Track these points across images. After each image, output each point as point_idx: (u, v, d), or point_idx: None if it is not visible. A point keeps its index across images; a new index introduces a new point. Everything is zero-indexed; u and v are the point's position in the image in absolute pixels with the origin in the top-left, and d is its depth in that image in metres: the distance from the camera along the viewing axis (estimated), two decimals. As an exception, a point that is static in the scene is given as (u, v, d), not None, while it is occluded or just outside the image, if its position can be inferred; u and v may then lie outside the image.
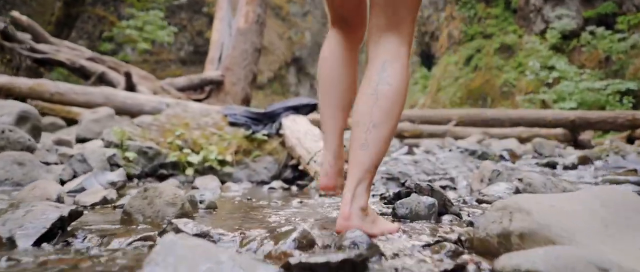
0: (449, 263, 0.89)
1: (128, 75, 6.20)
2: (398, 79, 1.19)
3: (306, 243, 0.98)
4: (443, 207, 1.45)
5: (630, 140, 7.04)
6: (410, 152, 4.13)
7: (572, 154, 4.67)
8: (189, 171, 3.21)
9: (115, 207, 1.58)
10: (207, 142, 3.40)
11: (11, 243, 0.98)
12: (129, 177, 3.07)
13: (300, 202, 1.91)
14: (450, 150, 4.50)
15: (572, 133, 7.23)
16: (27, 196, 1.39)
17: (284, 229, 1.07)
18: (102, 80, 6.78)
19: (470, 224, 1.12)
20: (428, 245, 1.02)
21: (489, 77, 12.97)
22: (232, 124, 3.62)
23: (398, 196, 1.57)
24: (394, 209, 1.41)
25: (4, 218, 1.03)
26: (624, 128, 7.37)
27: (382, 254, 0.91)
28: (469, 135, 7.02)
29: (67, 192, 2.12)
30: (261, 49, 9.74)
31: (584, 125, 7.30)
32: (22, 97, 4.89)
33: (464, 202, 1.87)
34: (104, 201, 1.63)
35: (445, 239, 1.05)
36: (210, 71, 9.12)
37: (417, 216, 1.37)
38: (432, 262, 0.90)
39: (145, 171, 3.17)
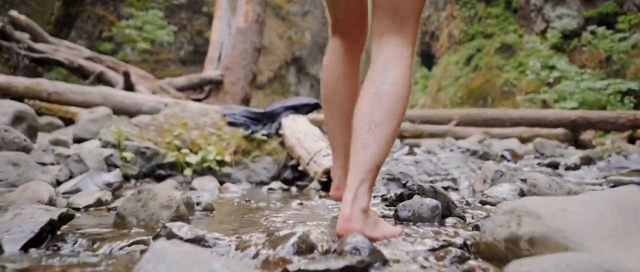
0: (454, 270, 0.85)
1: (126, 75, 6.16)
2: (401, 79, 1.17)
3: (305, 248, 0.94)
4: (446, 210, 1.41)
5: (632, 140, 7.01)
6: (411, 152, 4.09)
7: (574, 154, 4.64)
8: (187, 172, 3.16)
9: (109, 209, 1.54)
10: (205, 142, 3.36)
11: (-2, 248, 0.94)
12: (127, 178, 3.03)
13: (300, 203, 1.87)
14: (451, 150, 4.46)
15: (573, 133, 7.20)
16: (18, 198, 1.35)
17: (282, 232, 1.03)
18: (100, 79, 6.74)
19: (476, 227, 1.08)
20: (432, 250, 0.98)
21: (490, 77, 12.93)
22: (231, 123, 3.58)
23: (400, 198, 1.53)
24: (396, 211, 1.37)
25: (-9, 222, 0.99)
26: (625, 128, 7.34)
27: (384, 260, 0.87)
28: (469, 135, 6.99)
29: (62, 194, 2.08)
30: (261, 49, 9.70)
31: (585, 125, 7.27)
32: (19, 96, 4.85)
33: (467, 203, 1.83)
34: (98, 203, 1.59)
35: (450, 244, 1.01)
36: (210, 71, 9.07)
37: (420, 219, 1.33)
38: (437, 268, 0.86)
39: (142, 171, 3.13)
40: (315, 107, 3.82)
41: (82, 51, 7.84)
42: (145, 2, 14.02)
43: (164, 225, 1.01)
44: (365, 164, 1.09)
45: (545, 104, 10.51)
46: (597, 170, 3.63)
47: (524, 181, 2.33)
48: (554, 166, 3.66)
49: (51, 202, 1.36)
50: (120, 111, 4.84)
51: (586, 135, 7.41)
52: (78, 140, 3.61)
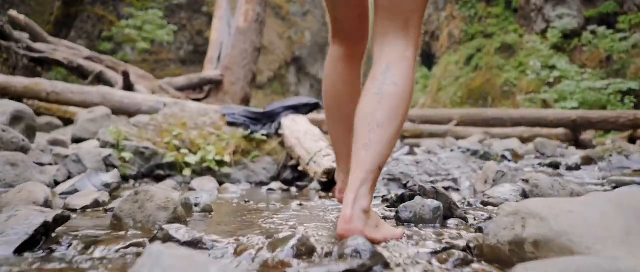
0: (458, 273, 0.83)
1: (126, 75, 6.13)
2: (403, 79, 1.15)
3: (305, 251, 0.92)
4: (448, 211, 1.39)
5: (632, 140, 6.99)
6: (411, 152, 4.07)
7: (574, 154, 4.62)
8: (187, 172, 3.14)
9: (106, 210, 1.52)
10: (205, 142, 3.34)
11: (-9, 251, 0.92)
12: (125, 178, 3.01)
13: (300, 204, 1.85)
14: (451, 150, 4.44)
15: (574, 133, 7.18)
16: (13, 199, 1.33)
17: (281, 235, 1.01)
18: (99, 79, 6.72)
19: (479, 229, 1.06)
20: (435, 253, 0.96)
21: (490, 77, 12.91)
22: (230, 123, 3.56)
23: (401, 199, 1.51)
24: (397, 212, 1.35)
25: (-16, 224, 0.97)
26: (625, 128, 7.33)
27: (386, 264, 0.85)
28: (470, 135, 6.97)
29: (60, 194, 2.06)
30: (261, 49, 9.68)
31: (586, 125, 7.25)
32: (18, 96, 4.83)
33: (469, 204, 1.81)
34: (96, 204, 1.57)
35: (453, 246, 0.99)
36: (210, 71, 9.05)
37: (421, 220, 1.31)
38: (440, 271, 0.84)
39: (141, 171, 3.11)
40: (315, 107, 3.80)
41: (81, 51, 7.81)
42: (145, 1, 14.00)
43: (160, 227, 0.99)
44: (366, 164, 1.07)
45: (545, 104, 10.49)
46: (598, 170, 3.61)
47: (525, 181, 2.31)
48: (555, 166, 3.64)
49: (47, 204, 1.34)
50: (120, 111, 4.82)
51: (586, 135, 7.39)
52: (77, 140, 3.59)
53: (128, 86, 6.08)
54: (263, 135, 3.44)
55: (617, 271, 0.65)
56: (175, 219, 1.16)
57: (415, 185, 1.48)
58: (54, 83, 5.20)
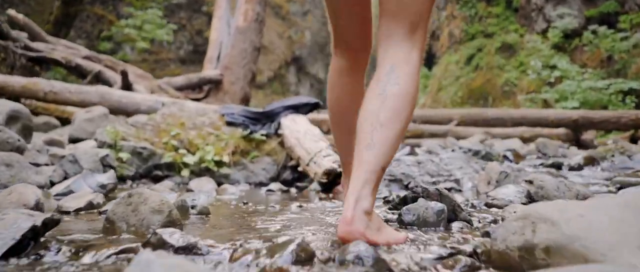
0: (465, 281, 0.79)
1: (124, 74, 6.09)
2: (408, 81, 1.12)
3: (305, 257, 0.88)
4: (452, 213, 1.35)
5: (634, 140, 6.96)
6: (412, 152, 4.03)
7: (577, 155, 4.58)
8: (185, 172, 3.10)
9: (100, 212, 1.48)
10: (203, 142, 3.30)
11: (-24, 257, 0.88)
12: (123, 179, 2.97)
13: (300, 206, 1.81)
14: (453, 150, 4.40)
15: (575, 133, 7.15)
16: (2, 201, 1.29)
17: (280, 239, 0.97)
18: (98, 79, 6.68)
19: (486, 234, 1.02)
20: (440, 258, 0.92)
21: (490, 77, 12.86)
22: (229, 123, 3.51)
23: (404, 201, 1.47)
24: (400, 215, 1.31)
25: (-30, 228, 0.93)
26: (627, 128, 7.29)
27: (389, 270, 0.81)
28: (470, 135, 6.93)
29: (54, 196, 2.02)
30: (261, 48, 9.63)
31: (587, 125, 7.22)
32: (15, 96, 4.78)
33: (473, 206, 1.77)
34: (90, 206, 1.53)
35: (459, 251, 0.95)
36: (209, 70, 9.01)
37: (424, 223, 1.27)
38: (446, 279, 0.80)
39: (139, 172, 3.07)
40: (315, 106, 3.76)
41: (79, 50, 7.77)
42: (145, 1, 13.95)
43: (154, 232, 0.95)
44: (369, 165, 1.03)
45: (546, 104, 10.45)
46: (601, 171, 3.58)
47: (529, 182, 2.27)
48: (557, 166, 3.60)
49: (38, 206, 1.30)
50: (118, 111, 4.78)
51: (588, 135, 7.36)
52: (74, 140, 3.55)
53: (127, 86, 6.04)
54: (262, 135, 3.40)
55: (637, 280, 0.61)
56: (170, 222, 1.12)
57: (418, 187, 1.44)
58: (52, 82, 5.16)
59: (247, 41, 8.84)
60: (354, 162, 1.07)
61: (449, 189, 2.45)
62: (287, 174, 3.26)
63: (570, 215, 0.83)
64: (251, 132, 3.41)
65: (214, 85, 8.67)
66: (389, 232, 1.07)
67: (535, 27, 12.96)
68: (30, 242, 0.94)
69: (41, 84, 5.01)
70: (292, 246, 0.90)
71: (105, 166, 2.83)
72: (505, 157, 4.28)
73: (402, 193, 1.94)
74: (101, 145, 3.08)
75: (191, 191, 2.55)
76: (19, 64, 6.27)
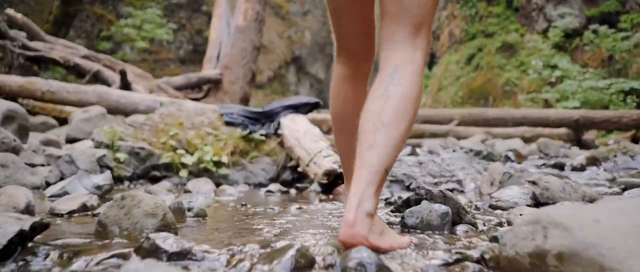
0: (474, 289, 0.75)
1: (123, 74, 6.05)
2: (412, 81, 1.09)
3: (305, 263, 0.84)
4: (456, 216, 1.31)
5: (635, 139, 6.93)
6: (413, 152, 3.99)
7: (579, 155, 4.55)
8: (183, 173, 3.07)
9: (94, 215, 1.44)
10: (202, 142, 3.26)
11: (-40, 263, 0.84)
12: (120, 180, 2.94)
13: (299, 208, 1.77)
14: (454, 150, 4.36)
15: (576, 133, 7.11)
16: (-8, 203, 1.24)
17: (279, 244, 0.93)
18: (97, 78, 6.63)
19: (494, 239, 0.98)
20: (446, 264, 0.87)
21: (491, 76, 12.82)
22: (228, 123, 3.47)
23: (407, 203, 1.42)
24: (402, 218, 1.27)
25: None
26: (628, 128, 7.27)
27: (394, 278, 0.77)
28: (471, 135, 6.89)
29: (49, 197, 1.98)
30: (260, 48, 9.58)
31: (588, 124, 7.18)
32: (12, 95, 4.75)
33: (477, 208, 1.73)
34: (83, 208, 1.48)
35: (466, 257, 0.90)
36: (209, 70, 8.96)
37: (428, 226, 1.23)
38: (454, 287, 0.76)
39: (137, 172, 3.04)
40: (315, 106, 3.72)
41: (78, 50, 7.73)
42: (144, 1, 13.90)
43: (147, 236, 0.91)
44: (371, 166, 1.00)
45: (547, 104, 10.41)
46: (604, 171, 3.54)
47: (533, 183, 2.23)
48: (560, 166, 3.57)
49: (28, 209, 1.26)
50: (116, 111, 4.74)
51: (589, 135, 7.32)
52: (71, 140, 3.51)
53: (125, 85, 6.00)
54: (262, 135, 3.36)
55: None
56: (164, 226, 1.07)
57: (421, 188, 1.40)
58: (49, 82, 5.12)
59: (247, 40, 8.79)
60: (356, 163, 1.03)
61: (451, 190, 2.41)
62: (286, 175, 3.22)
63: (584, 220, 0.79)
64: (250, 132, 3.37)
65: (213, 85, 8.62)
66: (392, 236, 1.03)
67: (536, 27, 12.92)
68: (18, 247, 0.90)
69: (38, 83, 4.97)
70: (292, 252, 0.86)
71: (102, 166, 2.79)
72: (507, 157, 4.24)
73: (404, 194, 1.90)
74: (98, 145, 3.04)
75: (189, 192, 2.51)
76: (17, 63, 6.23)
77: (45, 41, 7.61)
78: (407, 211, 1.26)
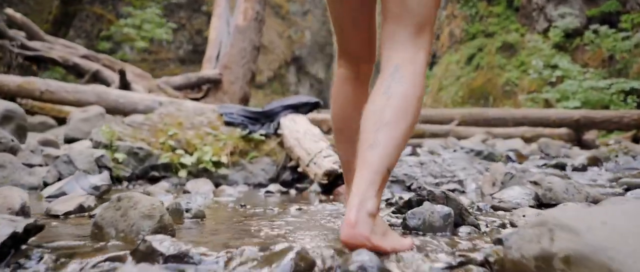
0: (479, 294, 0.72)
1: (122, 73, 6.03)
2: (414, 80, 1.08)
3: (304, 266, 0.82)
4: (459, 217, 1.29)
5: (636, 139, 6.91)
6: (414, 152, 3.97)
7: (580, 155, 4.53)
8: (182, 173, 3.04)
9: (91, 216, 1.42)
10: (201, 142, 3.24)
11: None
12: (119, 180, 2.91)
13: (299, 209, 1.74)
14: (455, 150, 4.34)
15: (577, 133, 7.09)
16: (-14, 205, 1.22)
17: (278, 246, 0.91)
18: (96, 78, 6.61)
19: (498, 241, 0.96)
20: (450, 268, 0.85)
21: (491, 76, 12.80)
22: (228, 123, 3.45)
23: (409, 205, 1.40)
24: (404, 219, 1.25)
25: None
26: (629, 128, 7.25)
27: (396, 282, 0.75)
28: (471, 135, 6.88)
29: (46, 198, 1.96)
30: (260, 48, 9.56)
31: (589, 124, 7.17)
32: (11, 95, 4.73)
33: (479, 209, 1.71)
34: (80, 209, 1.46)
35: (470, 260, 0.88)
36: (208, 70, 8.93)
37: (431, 228, 1.21)
38: (458, 292, 0.74)
39: (135, 173, 3.01)
40: (315, 106, 3.70)
41: (77, 49, 7.71)
42: (144, 0, 13.88)
43: (143, 238, 0.89)
44: (373, 165, 0.98)
45: (547, 104, 10.39)
46: (606, 171, 3.52)
47: (535, 183, 2.21)
48: (561, 167, 3.55)
49: (23, 210, 1.23)
50: (115, 111, 4.72)
51: (589, 135, 7.31)
52: (69, 140, 3.49)
53: (124, 85, 5.98)
54: (261, 135, 3.34)
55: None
56: (161, 228, 1.05)
57: (423, 189, 1.38)
58: (48, 81, 5.10)
59: (247, 40, 8.77)
60: (358, 163, 1.01)
61: (453, 191, 2.39)
62: (286, 175, 3.20)
63: (592, 222, 0.77)
64: (250, 132, 3.35)
65: (213, 85, 8.60)
66: (394, 238, 1.01)
67: (536, 27, 12.90)
68: (11, 250, 0.88)
69: (37, 83, 4.95)
70: (291, 255, 0.84)
71: (101, 166, 2.77)
72: (508, 157, 4.23)
73: (405, 195, 1.88)
74: (97, 145, 3.02)
75: (188, 192, 2.48)
76: (15, 63, 6.21)
77: (45, 41, 7.60)
78: (409, 212, 1.24)
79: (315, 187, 2.75)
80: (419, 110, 1.09)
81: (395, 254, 0.92)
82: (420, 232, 1.20)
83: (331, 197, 2.46)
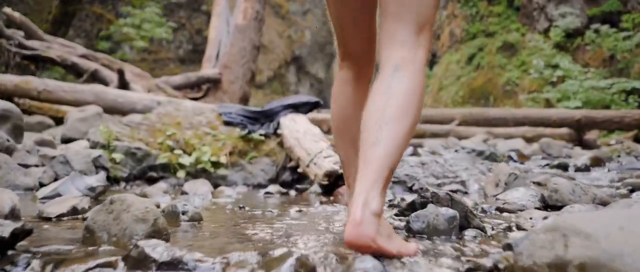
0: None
1: (120, 73, 5.98)
2: (414, 79, 1.06)
3: (305, 273, 0.78)
4: (464, 220, 1.25)
5: (637, 139, 6.87)
6: (415, 153, 3.93)
7: (582, 155, 4.50)
8: (180, 174, 3.00)
9: (84, 219, 1.37)
10: (200, 142, 3.20)
11: None
12: (116, 180, 2.87)
13: (299, 211, 1.70)
14: (456, 151, 4.31)
15: (578, 133, 7.06)
16: (-25, 207, 1.18)
17: (277, 251, 0.87)
18: (94, 77, 6.56)
19: (508, 246, 0.92)
20: (458, 275, 0.81)
21: (492, 76, 12.76)
22: (227, 123, 3.41)
23: (412, 207, 1.36)
24: (408, 222, 1.21)
25: None
26: (630, 128, 7.22)
27: (402, 291, 0.71)
28: (472, 135, 6.84)
29: (40, 199, 1.91)
30: (260, 47, 9.52)
31: (590, 124, 7.14)
32: (8, 95, 4.68)
33: (483, 211, 1.67)
34: (73, 211, 1.42)
35: (478, 267, 0.84)
36: (208, 69, 8.89)
37: (435, 231, 1.17)
38: (467, 301, 0.70)
39: (133, 173, 2.97)
40: (315, 105, 3.66)
41: (76, 49, 7.66)
42: (143, 0, 13.84)
43: (136, 244, 0.85)
44: (375, 164, 0.95)
45: (548, 104, 10.35)
46: (609, 171, 3.48)
47: (538, 184, 2.17)
48: (564, 167, 3.51)
49: (13, 213, 1.19)
50: (114, 110, 4.67)
51: (590, 135, 7.27)
52: (66, 140, 3.44)
53: (123, 85, 5.93)
54: (261, 135, 3.30)
55: None
56: (155, 232, 1.01)
57: (427, 191, 1.34)
58: (45, 81, 5.05)
59: (247, 40, 8.73)
60: (360, 163, 0.98)
61: (455, 192, 2.35)
62: (286, 176, 3.16)
63: (608, 228, 0.73)
64: (249, 132, 3.31)
65: (212, 85, 8.55)
66: (399, 241, 0.97)
67: (537, 26, 12.86)
68: (-3, 255, 0.84)
69: (34, 82, 4.91)
70: (291, 261, 0.80)
71: (98, 167, 2.73)
72: (509, 157, 4.19)
73: (407, 196, 1.84)
74: (94, 145, 2.98)
75: (186, 193, 2.44)
76: (13, 62, 6.17)
77: (43, 40, 7.55)
78: (413, 215, 1.20)
79: (315, 188, 2.71)
80: (420, 109, 1.07)
81: (400, 260, 0.88)
82: (425, 236, 1.16)
83: (332, 198, 2.42)
